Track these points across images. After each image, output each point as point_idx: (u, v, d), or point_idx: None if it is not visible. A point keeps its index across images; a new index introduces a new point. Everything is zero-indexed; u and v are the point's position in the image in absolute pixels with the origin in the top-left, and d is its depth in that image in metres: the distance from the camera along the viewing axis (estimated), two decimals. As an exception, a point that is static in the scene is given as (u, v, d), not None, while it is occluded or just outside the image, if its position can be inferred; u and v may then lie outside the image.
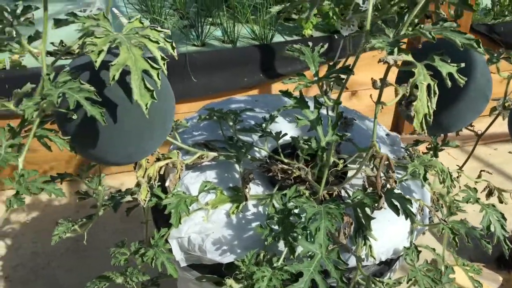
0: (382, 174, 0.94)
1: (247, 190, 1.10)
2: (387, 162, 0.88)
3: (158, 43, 0.73)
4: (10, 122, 0.82)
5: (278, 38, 2.84)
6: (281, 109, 0.98)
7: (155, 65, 0.70)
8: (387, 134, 1.37)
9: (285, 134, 1.18)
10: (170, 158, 1.09)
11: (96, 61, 0.67)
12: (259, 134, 1.21)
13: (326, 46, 1.02)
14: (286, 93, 0.99)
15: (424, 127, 0.79)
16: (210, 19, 2.96)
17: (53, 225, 2.00)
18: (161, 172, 1.14)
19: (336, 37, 2.67)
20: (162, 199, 1.08)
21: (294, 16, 3.24)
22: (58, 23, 0.73)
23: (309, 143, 0.98)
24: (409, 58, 0.81)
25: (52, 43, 0.90)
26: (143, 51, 0.70)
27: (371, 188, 1.03)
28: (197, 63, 2.39)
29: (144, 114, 0.82)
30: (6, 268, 2.01)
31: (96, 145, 0.82)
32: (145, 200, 1.01)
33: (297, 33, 2.97)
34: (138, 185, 1.14)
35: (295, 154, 1.18)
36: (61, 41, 0.93)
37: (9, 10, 0.68)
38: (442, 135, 1.31)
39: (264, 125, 1.21)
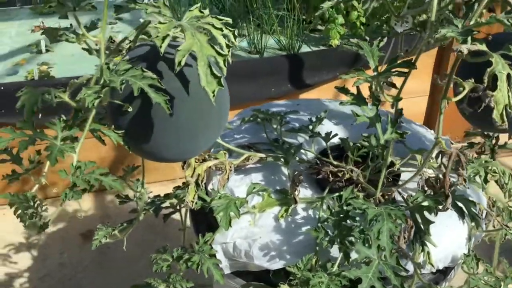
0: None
1: (296, 192, 1.05)
2: (458, 158, 0.82)
3: (222, 30, 0.69)
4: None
5: (304, 49, 2.81)
6: (345, 103, 0.93)
7: (221, 51, 0.66)
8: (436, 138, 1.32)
9: (335, 135, 1.13)
10: (217, 158, 1.04)
11: (161, 46, 0.63)
12: (307, 135, 1.16)
13: (385, 40, 0.98)
14: (343, 89, 0.94)
15: (505, 119, 0.74)
16: (236, 30, 2.94)
17: (78, 236, 1.97)
18: (206, 174, 1.09)
19: (365, 46, 2.62)
20: (207, 201, 1.03)
21: (320, 27, 3.21)
22: (119, 9, 0.70)
23: (367, 140, 0.93)
24: (483, 47, 0.76)
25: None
26: (208, 37, 0.67)
27: (430, 190, 0.97)
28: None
29: (201, 109, 0.78)
30: (33, 279, 1.98)
31: (150, 139, 0.78)
32: (193, 201, 0.96)
33: (323, 43, 2.94)
34: (178, 188, 1.10)
35: (344, 157, 1.13)
36: (110, 37, 0.90)
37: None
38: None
39: (311, 126, 1.17)
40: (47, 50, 2.69)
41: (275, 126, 1.21)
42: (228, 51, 0.68)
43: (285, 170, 1.15)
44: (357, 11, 2.78)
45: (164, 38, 0.64)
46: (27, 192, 0.72)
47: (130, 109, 0.76)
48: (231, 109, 0.95)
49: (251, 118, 1.24)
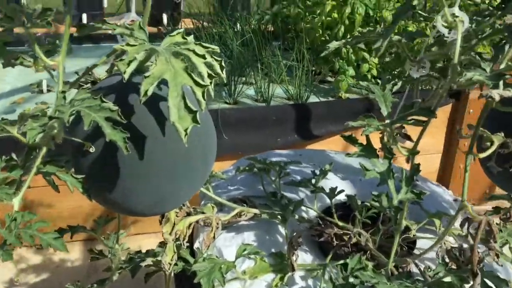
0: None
1: (294, 257, 0.89)
2: (488, 228, 0.67)
3: (205, 58, 0.57)
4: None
5: (313, 99, 2.71)
6: (352, 155, 0.79)
7: (200, 81, 0.54)
8: (455, 200, 1.17)
9: (342, 191, 0.99)
10: (204, 213, 0.90)
11: (125, 72, 0.50)
12: (309, 190, 1.02)
13: (399, 84, 0.85)
14: (350, 139, 0.81)
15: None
16: (243, 78, 2.87)
17: (61, 289, 1.77)
18: (190, 231, 0.94)
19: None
20: (190, 263, 0.88)
21: (329, 78, 3.13)
22: (83, 28, 0.59)
23: (378, 200, 0.79)
24: (519, 93, 0.63)
25: (76, 72, 0.76)
26: (186, 63, 0.54)
27: (452, 263, 0.81)
28: (229, 120, 2.26)
29: (179, 149, 0.64)
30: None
31: (116, 187, 0.64)
32: (170, 264, 0.81)
33: (332, 95, 2.85)
34: (162, 244, 0.95)
35: (351, 217, 0.98)
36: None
37: (25, 11, 0.53)
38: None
39: (314, 180, 1.02)
40: (48, 90, 2.61)
41: (273, 178, 1.07)
42: (210, 82, 0.56)
43: (282, 230, 1.00)
44: (368, 63, 2.69)
45: (130, 63, 0.52)
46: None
47: (92, 150, 0.62)
48: (234, 158, 0.84)
49: (247, 168, 1.10)
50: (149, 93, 0.51)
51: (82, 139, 0.62)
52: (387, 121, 0.78)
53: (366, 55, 2.67)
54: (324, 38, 2.80)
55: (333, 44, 0.93)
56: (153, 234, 2.24)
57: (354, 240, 0.92)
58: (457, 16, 0.76)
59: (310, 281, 0.90)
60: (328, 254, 0.92)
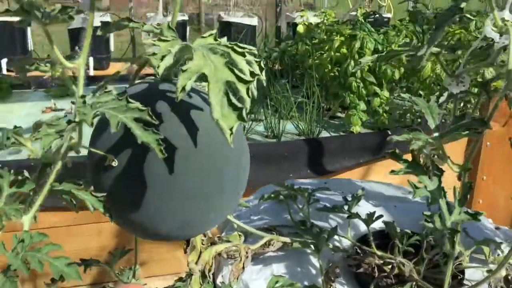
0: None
1: (331, 290, 0.80)
2: None
3: (244, 56, 0.50)
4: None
5: (324, 135, 2.66)
6: (397, 172, 0.71)
7: (244, 77, 0.47)
8: (497, 228, 1.08)
9: (380, 216, 0.90)
10: (230, 241, 0.81)
11: (159, 67, 0.44)
12: (342, 216, 0.93)
13: (445, 94, 0.79)
14: (395, 155, 0.73)
15: None
16: (253, 115, 2.82)
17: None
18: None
19: (389, 132, 2.47)
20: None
21: (339, 114, 3.08)
22: (105, 28, 0.53)
23: (432, 220, 0.70)
24: None
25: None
26: (226, 59, 0.48)
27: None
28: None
29: (211, 165, 0.57)
30: None
31: (141, 206, 0.57)
32: (196, 298, 0.72)
33: (343, 130, 2.79)
34: (180, 279, 0.86)
35: (390, 245, 0.89)
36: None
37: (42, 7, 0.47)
38: None
39: (347, 206, 0.94)
40: (53, 130, 2.56)
41: (301, 206, 0.99)
42: (253, 80, 0.49)
43: (314, 261, 0.91)
44: (379, 97, 2.65)
45: (163, 58, 0.45)
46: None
47: (115, 163, 0.55)
48: (244, 196, 0.76)
49: (272, 196, 1.02)
50: (187, 88, 0.45)
51: (104, 152, 0.55)
52: (435, 134, 0.71)
53: (377, 89, 2.64)
54: (333, 74, 2.77)
55: (365, 60, 0.87)
56: (168, 276, 2.13)
57: (396, 271, 0.83)
58: (507, 20, 0.70)
59: (350, 318, 0.80)
60: (368, 287, 0.83)
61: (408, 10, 3.29)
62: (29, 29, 3.88)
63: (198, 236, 0.72)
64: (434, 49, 0.84)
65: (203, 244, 0.75)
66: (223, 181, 0.60)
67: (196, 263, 0.72)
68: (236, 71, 0.47)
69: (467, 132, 0.67)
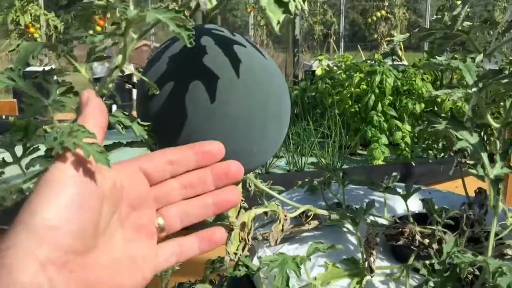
0: None
1: (372, 259, 0.78)
2: None
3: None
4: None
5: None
6: (437, 128, 0.72)
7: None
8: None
9: (418, 189, 0.89)
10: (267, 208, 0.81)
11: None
12: (380, 199, 0.92)
13: (480, 56, 0.80)
14: (432, 112, 0.74)
15: None
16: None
17: None
18: (252, 232, 0.84)
19: (413, 164, 2.46)
20: (253, 269, 0.78)
21: (359, 151, 3.09)
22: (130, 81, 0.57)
23: (476, 168, 0.69)
24: None
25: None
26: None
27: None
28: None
29: (254, 96, 0.59)
30: None
31: (184, 134, 0.58)
32: (235, 254, 0.71)
33: (365, 166, 2.80)
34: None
35: (428, 222, 0.88)
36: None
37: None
38: None
39: (384, 184, 0.94)
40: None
41: (331, 192, 0.99)
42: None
43: (352, 239, 0.89)
44: (401, 131, 2.66)
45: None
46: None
47: (157, 91, 0.58)
48: None
49: (306, 181, 1.02)
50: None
51: (151, 82, 0.58)
52: (474, 89, 0.72)
53: (399, 123, 2.66)
54: (353, 109, 2.81)
55: (398, 38, 0.90)
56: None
57: (435, 245, 0.81)
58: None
59: (392, 285, 0.78)
60: (407, 259, 0.81)
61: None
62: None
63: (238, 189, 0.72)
64: (466, 23, 0.87)
65: (242, 202, 0.75)
66: (266, 116, 0.60)
67: (236, 217, 0.71)
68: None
69: (506, 80, 0.68)
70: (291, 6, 0.47)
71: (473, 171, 0.68)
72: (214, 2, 0.64)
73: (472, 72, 0.73)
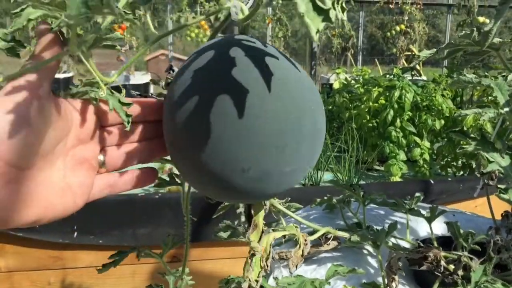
0: None
1: (394, 284, 0.74)
2: None
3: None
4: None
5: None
6: (465, 150, 0.68)
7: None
8: None
9: (443, 212, 0.86)
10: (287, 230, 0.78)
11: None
12: (402, 221, 0.89)
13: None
14: (460, 132, 0.71)
15: None
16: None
17: None
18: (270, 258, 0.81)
19: (432, 181, 2.41)
20: (269, 289, 0.75)
21: (376, 166, 3.04)
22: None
23: (505, 172, 0.66)
24: None
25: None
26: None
27: None
28: (279, 198, 2.16)
29: (287, 112, 0.55)
30: None
31: (215, 151, 0.54)
32: (257, 281, 0.68)
33: (382, 182, 2.75)
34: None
35: (453, 247, 0.84)
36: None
37: None
38: None
39: (406, 205, 0.90)
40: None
41: (350, 210, 0.95)
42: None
43: (372, 261, 0.86)
44: (420, 147, 2.62)
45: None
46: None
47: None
48: None
49: (326, 198, 0.99)
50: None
51: (177, 97, 0.55)
52: (506, 109, 0.69)
53: (418, 139, 2.61)
54: (371, 124, 2.77)
55: (424, 53, 0.87)
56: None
57: (461, 271, 0.77)
58: None
59: (416, 314, 0.74)
60: (431, 286, 0.77)
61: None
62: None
63: (261, 214, 0.69)
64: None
65: (264, 226, 0.72)
66: (300, 133, 0.57)
67: (258, 242, 0.68)
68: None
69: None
70: (332, 14, 0.44)
71: (505, 196, 0.65)
72: (246, 12, 0.62)
73: (504, 91, 0.70)
